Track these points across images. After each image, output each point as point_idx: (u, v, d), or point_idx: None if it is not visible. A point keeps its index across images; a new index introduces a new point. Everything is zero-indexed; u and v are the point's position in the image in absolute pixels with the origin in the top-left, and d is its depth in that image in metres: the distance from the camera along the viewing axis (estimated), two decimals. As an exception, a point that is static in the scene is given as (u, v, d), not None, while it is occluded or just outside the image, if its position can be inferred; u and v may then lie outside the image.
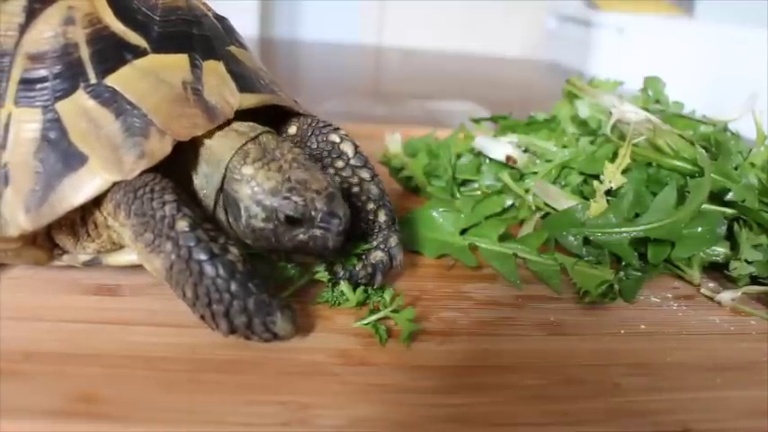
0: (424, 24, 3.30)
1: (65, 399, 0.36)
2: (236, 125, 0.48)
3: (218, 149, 0.46)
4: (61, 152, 0.43)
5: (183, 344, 0.41)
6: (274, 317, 0.40)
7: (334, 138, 0.53)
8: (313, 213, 0.43)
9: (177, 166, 0.47)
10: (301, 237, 0.44)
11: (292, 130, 0.55)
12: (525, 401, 0.39)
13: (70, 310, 0.45)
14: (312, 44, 3.21)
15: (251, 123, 0.48)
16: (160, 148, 0.43)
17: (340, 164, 0.52)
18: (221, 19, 0.54)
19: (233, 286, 0.39)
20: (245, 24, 2.97)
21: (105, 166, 0.42)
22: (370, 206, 0.51)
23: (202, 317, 0.40)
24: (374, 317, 0.46)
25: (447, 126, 0.99)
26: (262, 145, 0.46)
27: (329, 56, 2.94)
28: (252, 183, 0.44)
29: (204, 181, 0.47)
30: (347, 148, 0.52)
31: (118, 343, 0.41)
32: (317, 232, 0.43)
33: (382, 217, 0.51)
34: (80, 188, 0.42)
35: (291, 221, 0.43)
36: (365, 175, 0.52)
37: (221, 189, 0.46)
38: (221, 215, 0.47)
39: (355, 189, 0.51)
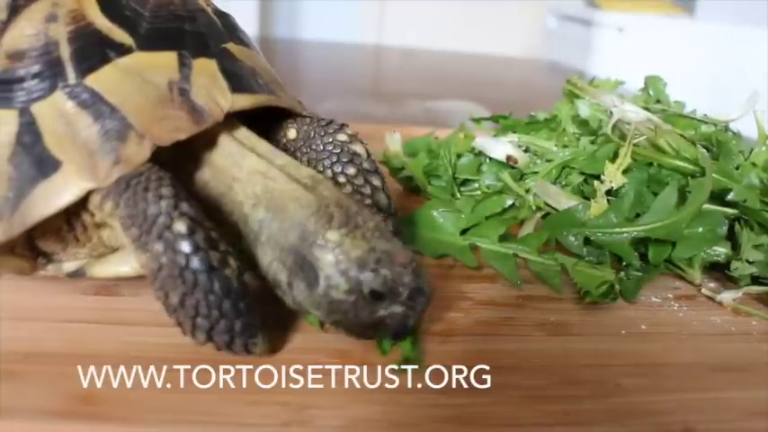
0: (424, 24, 3.30)
1: (64, 399, 0.36)
2: (293, 168, 0.44)
3: (280, 197, 0.42)
4: (35, 157, 0.40)
5: (183, 344, 0.41)
6: (256, 339, 0.39)
7: (342, 137, 0.50)
8: (400, 289, 0.39)
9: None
10: (381, 312, 0.39)
11: (291, 134, 0.52)
12: (525, 401, 0.39)
13: (70, 310, 0.45)
14: (312, 44, 3.21)
15: (312, 172, 0.44)
16: (137, 153, 0.40)
17: (352, 170, 0.49)
18: (223, 15, 0.52)
19: (225, 305, 0.38)
20: (245, 24, 2.96)
21: (79, 172, 0.40)
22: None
23: (179, 322, 0.39)
24: (374, 317, 0.45)
25: (447, 126, 0.98)
26: (344, 208, 0.41)
27: (329, 56, 2.94)
28: (337, 251, 0.39)
29: (257, 227, 0.43)
30: (359, 149, 0.50)
31: (118, 343, 0.41)
32: (399, 309, 0.39)
33: (389, 227, 0.50)
34: (52, 196, 0.40)
35: (375, 296, 0.39)
36: (377, 182, 0.50)
37: (296, 250, 0.41)
38: (281, 275, 0.42)
39: (367, 201, 0.49)
